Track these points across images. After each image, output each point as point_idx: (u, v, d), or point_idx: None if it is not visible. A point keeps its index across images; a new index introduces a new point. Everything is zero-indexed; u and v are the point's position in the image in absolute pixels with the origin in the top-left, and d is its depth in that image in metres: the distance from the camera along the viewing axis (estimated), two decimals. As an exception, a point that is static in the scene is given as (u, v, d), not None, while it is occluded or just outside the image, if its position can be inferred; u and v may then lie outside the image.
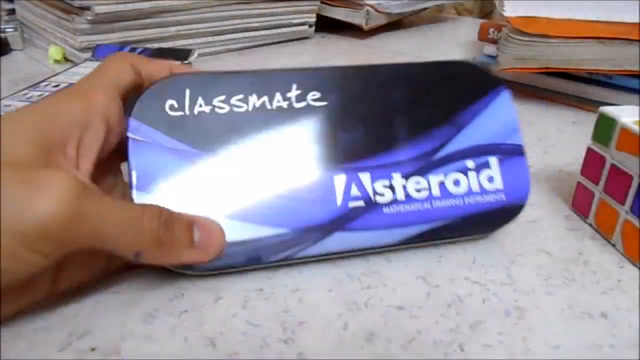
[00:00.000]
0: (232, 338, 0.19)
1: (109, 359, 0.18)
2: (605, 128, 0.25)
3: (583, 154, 0.27)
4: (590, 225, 0.26)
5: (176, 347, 0.18)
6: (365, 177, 0.22)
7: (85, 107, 0.20)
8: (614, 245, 0.25)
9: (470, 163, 0.23)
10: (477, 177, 0.23)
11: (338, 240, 0.21)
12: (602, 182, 0.25)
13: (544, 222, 0.27)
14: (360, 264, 0.23)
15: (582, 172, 0.27)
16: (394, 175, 0.22)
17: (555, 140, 0.37)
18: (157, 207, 0.19)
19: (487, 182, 0.23)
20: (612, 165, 0.24)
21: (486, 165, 0.23)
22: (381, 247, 0.22)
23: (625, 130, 0.24)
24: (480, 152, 0.23)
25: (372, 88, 0.23)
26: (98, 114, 0.20)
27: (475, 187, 0.23)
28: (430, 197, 0.22)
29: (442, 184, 0.23)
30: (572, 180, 0.28)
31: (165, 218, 0.19)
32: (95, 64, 0.45)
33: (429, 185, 0.22)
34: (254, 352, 0.18)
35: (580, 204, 0.27)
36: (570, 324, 0.20)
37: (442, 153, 0.23)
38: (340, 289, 0.21)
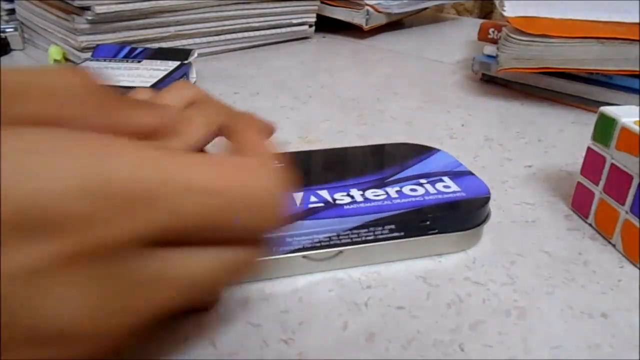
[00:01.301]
0: (232, 338, 0.19)
1: (109, 359, 0.18)
2: (605, 128, 0.25)
3: (583, 154, 0.26)
4: (590, 225, 0.26)
5: (176, 347, 0.18)
6: (323, 192, 0.23)
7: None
8: (614, 245, 0.25)
9: (423, 180, 0.25)
10: (433, 186, 0.24)
11: (300, 226, 0.21)
12: (602, 182, 0.25)
13: (544, 222, 0.27)
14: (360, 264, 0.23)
15: (582, 172, 0.27)
16: (351, 190, 0.24)
17: (555, 140, 0.37)
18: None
19: (443, 188, 0.24)
20: (612, 165, 0.24)
21: (439, 180, 0.25)
22: (347, 231, 0.22)
23: (625, 130, 0.24)
24: (430, 175, 0.25)
25: (318, 156, 0.28)
26: None
27: (432, 191, 0.24)
28: (389, 199, 0.23)
29: (399, 192, 0.24)
30: (572, 180, 0.28)
31: None
32: (96, 64, 0.45)
33: (387, 193, 0.23)
34: (254, 352, 0.18)
35: (580, 204, 0.27)
36: (570, 324, 0.20)
37: (394, 177, 0.25)
38: (340, 289, 0.21)
